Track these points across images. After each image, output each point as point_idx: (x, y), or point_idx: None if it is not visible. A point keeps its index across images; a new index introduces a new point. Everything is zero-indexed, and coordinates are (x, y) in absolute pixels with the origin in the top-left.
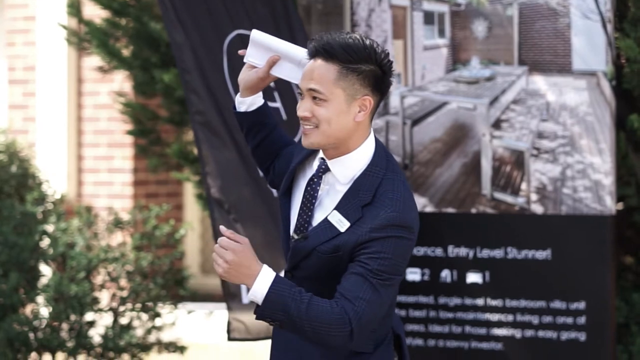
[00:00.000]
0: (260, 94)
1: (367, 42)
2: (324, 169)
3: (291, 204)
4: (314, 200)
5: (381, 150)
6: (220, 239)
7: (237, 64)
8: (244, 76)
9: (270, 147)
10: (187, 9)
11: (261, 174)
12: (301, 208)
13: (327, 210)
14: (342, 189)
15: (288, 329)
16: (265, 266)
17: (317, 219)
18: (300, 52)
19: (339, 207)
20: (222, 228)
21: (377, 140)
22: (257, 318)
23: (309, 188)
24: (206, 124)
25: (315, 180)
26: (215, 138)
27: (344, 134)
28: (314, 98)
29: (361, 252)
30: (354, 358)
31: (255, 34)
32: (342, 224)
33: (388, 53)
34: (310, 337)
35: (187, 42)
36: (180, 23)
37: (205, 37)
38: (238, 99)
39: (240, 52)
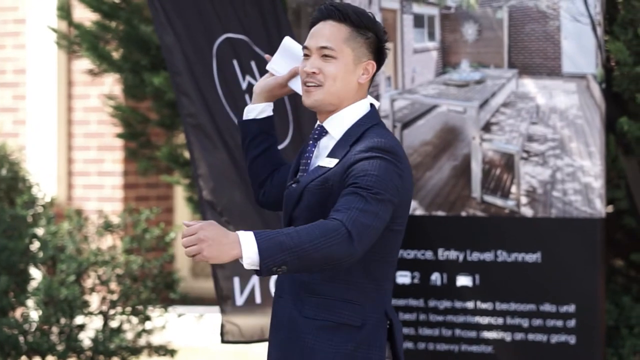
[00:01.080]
0: (271, 104)
1: (368, 13)
2: (318, 133)
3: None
4: (309, 161)
5: (376, 114)
6: (184, 229)
7: (225, 67)
8: (263, 82)
9: (271, 159)
10: (178, 12)
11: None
12: (294, 172)
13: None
14: (333, 143)
15: (295, 266)
16: (240, 231)
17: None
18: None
19: (329, 155)
20: (183, 222)
21: (373, 107)
22: (263, 274)
23: (302, 153)
24: (198, 126)
25: (311, 143)
26: (207, 140)
27: (346, 93)
28: (324, 56)
29: (349, 176)
30: (341, 329)
31: (287, 41)
32: (331, 162)
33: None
34: (317, 260)
35: (177, 44)
36: (170, 25)
37: (195, 40)
38: (248, 107)
39: (266, 56)
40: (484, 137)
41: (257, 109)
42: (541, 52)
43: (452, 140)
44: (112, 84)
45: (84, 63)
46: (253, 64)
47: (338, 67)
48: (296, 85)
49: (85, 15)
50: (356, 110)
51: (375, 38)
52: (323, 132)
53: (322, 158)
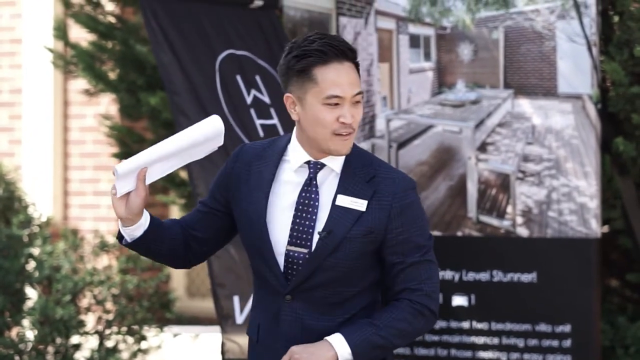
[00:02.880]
0: (145, 212)
1: None
2: (316, 170)
3: (270, 216)
4: (316, 203)
5: None
6: None
7: (229, 83)
8: (126, 207)
9: (176, 242)
10: (177, 30)
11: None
12: (297, 216)
13: (328, 204)
14: (333, 177)
15: (387, 355)
16: (328, 337)
17: (321, 220)
18: (204, 128)
19: (341, 191)
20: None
21: None
22: None
23: (303, 194)
24: None
25: (313, 182)
26: (206, 159)
27: None
28: (355, 102)
29: (397, 230)
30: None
31: (119, 168)
32: (357, 204)
33: None
34: (409, 341)
35: (175, 63)
36: (168, 44)
37: (196, 57)
38: (126, 231)
39: (112, 191)
40: (479, 157)
41: (140, 227)
42: (537, 73)
43: (448, 160)
44: (108, 103)
45: (80, 83)
46: (258, 77)
47: (360, 111)
48: (152, 177)
49: (81, 36)
50: None
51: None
52: (318, 166)
53: (327, 194)
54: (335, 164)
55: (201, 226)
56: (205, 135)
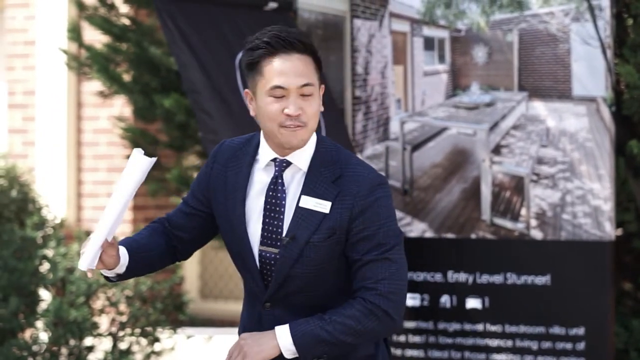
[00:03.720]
0: (123, 250)
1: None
2: (282, 168)
3: (248, 221)
4: (283, 202)
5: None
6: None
7: None
8: (103, 267)
9: (160, 253)
10: (193, 30)
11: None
12: (266, 216)
13: (294, 204)
14: (300, 176)
15: (339, 352)
16: (276, 327)
17: (287, 221)
18: (137, 170)
19: (306, 192)
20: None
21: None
22: None
23: (270, 193)
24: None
25: (279, 182)
26: None
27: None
28: (303, 95)
29: (358, 228)
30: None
31: (81, 265)
32: (321, 205)
33: None
34: (359, 342)
35: (194, 62)
36: (185, 43)
37: (214, 55)
38: (109, 274)
39: (89, 274)
40: (493, 159)
41: (121, 267)
42: (551, 75)
43: (462, 162)
44: (122, 105)
45: (93, 85)
46: None
47: (314, 104)
48: (112, 233)
49: (95, 38)
50: (312, 140)
51: (318, 60)
52: (284, 164)
53: (294, 193)
54: (300, 161)
55: (186, 228)
56: (144, 172)
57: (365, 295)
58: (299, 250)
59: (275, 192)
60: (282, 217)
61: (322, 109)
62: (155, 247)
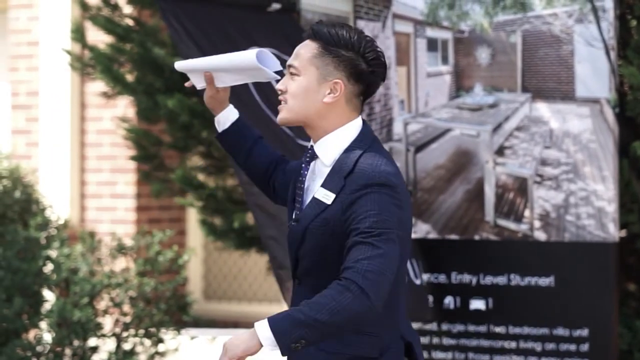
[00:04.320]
0: (231, 107)
1: (358, 33)
2: (310, 155)
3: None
4: (302, 185)
5: (368, 134)
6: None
7: None
8: (204, 99)
9: (259, 159)
10: (198, 29)
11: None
12: (291, 200)
13: (312, 193)
14: (327, 170)
15: (316, 337)
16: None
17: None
18: (241, 56)
19: (324, 184)
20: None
21: (366, 126)
22: (284, 353)
23: (297, 177)
24: None
25: (303, 166)
26: None
27: (312, 112)
28: (291, 74)
29: (348, 220)
30: None
31: (178, 65)
32: (327, 197)
33: (378, 51)
34: (336, 324)
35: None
36: (193, 41)
37: (222, 52)
38: (215, 120)
39: (186, 84)
40: (497, 160)
41: (220, 121)
42: (555, 76)
43: (466, 163)
44: (125, 106)
45: (97, 85)
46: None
47: (298, 85)
48: (224, 82)
49: (98, 38)
50: (345, 135)
51: (351, 56)
52: (315, 155)
53: (316, 185)
54: (326, 156)
55: (285, 175)
56: (241, 61)
57: (344, 274)
58: (301, 234)
59: (300, 177)
60: (301, 199)
61: (328, 99)
62: (263, 148)
